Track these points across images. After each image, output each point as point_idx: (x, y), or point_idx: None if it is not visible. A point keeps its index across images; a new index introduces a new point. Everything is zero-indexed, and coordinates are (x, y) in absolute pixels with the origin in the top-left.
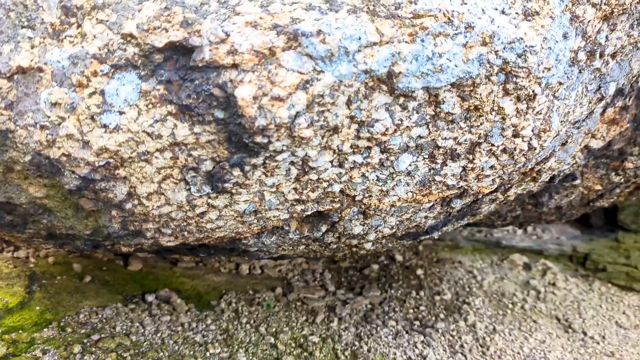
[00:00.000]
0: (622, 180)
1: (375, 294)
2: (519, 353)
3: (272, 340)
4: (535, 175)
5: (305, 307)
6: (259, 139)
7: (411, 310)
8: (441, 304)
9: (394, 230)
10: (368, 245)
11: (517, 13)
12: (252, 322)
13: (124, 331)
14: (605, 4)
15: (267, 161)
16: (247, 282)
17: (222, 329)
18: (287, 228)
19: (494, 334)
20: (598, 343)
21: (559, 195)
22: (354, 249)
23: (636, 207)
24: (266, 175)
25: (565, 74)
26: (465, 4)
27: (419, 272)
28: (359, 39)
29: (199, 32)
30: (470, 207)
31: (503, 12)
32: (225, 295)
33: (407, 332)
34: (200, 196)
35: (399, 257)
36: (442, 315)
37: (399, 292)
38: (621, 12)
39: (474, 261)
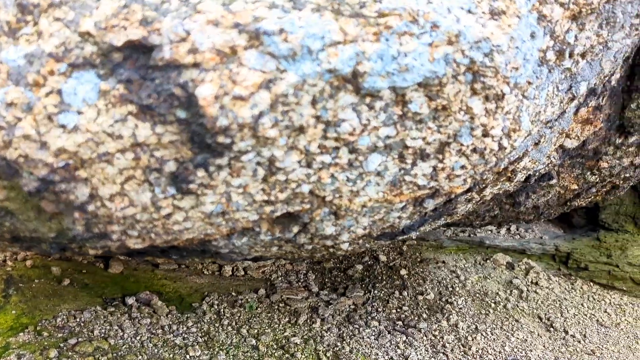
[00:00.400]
0: (597, 179)
1: (358, 295)
2: (500, 352)
3: (254, 342)
4: (510, 174)
5: (288, 308)
6: (221, 139)
7: (394, 311)
8: (424, 303)
9: (367, 230)
10: (345, 246)
11: (483, 12)
12: (233, 323)
13: (102, 335)
14: (573, 4)
15: (232, 162)
16: (229, 284)
17: (203, 331)
18: (257, 229)
19: (476, 334)
20: (579, 342)
21: (536, 194)
22: (331, 250)
23: (617, 207)
24: (232, 176)
25: (534, 73)
26: (431, 3)
27: (403, 272)
28: (323, 37)
29: (159, 30)
30: (446, 207)
31: (469, 12)
32: (208, 297)
33: (389, 333)
34: (165, 197)
35: (383, 258)
36: (424, 315)
37: (383, 292)
38: (589, 11)
39: (458, 261)
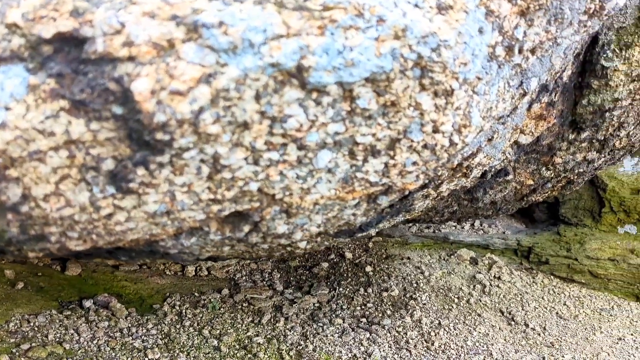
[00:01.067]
0: (552, 175)
1: (323, 292)
2: (462, 347)
3: (216, 342)
4: (465, 171)
5: (252, 308)
6: (160, 135)
7: (358, 308)
8: (389, 300)
9: (321, 228)
10: (302, 245)
11: (430, 7)
12: (195, 324)
13: (57, 339)
14: (521, 0)
15: (174, 159)
16: (192, 284)
17: (163, 333)
18: (206, 229)
19: (439, 329)
20: (539, 334)
21: (493, 190)
22: (289, 249)
23: (576, 201)
24: (175, 174)
25: (484, 69)
26: None
27: (368, 269)
28: (265, 31)
29: (91, 22)
30: (403, 204)
31: (416, 6)
32: (169, 298)
33: (353, 330)
34: (105, 197)
35: (348, 255)
36: (389, 312)
37: (348, 289)
38: (537, 7)
39: (423, 257)
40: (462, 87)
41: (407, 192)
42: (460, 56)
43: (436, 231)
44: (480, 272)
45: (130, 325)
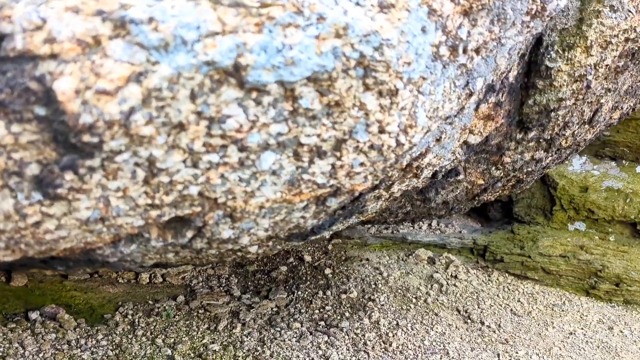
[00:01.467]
0: (502, 174)
1: (281, 297)
2: (419, 347)
3: (169, 351)
4: (416, 171)
5: (208, 314)
6: (87, 138)
7: (317, 311)
8: (347, 302)
9: (270, 232)
10: (253, 249)
11: (372, 5)
12: (148, 334)
13: (1, 353)
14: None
15: (105, 163)
16: (146, 292)
17: (114, 343)
18: (147, 235)
19: (396, 329)
20: (494, 331)
21: (445, 190)
22: (239, 254)
23: (529, 200)
24: (108, 179)
25: (428, 68)
26: None
27: (327, 271)
28: (198, 27)
29: (10, 17)
30: (355, 205)
31: (358, 4)
32: (121, 307)
33: (311, 334)
34: (31, 204)
35: (307, 258)
36: (347, 314)
37: (306, 292)
38: (480, 7)
39: (381, 257)
40: (406, 86)
41: (357, 194)
42: (404, 55)
43: (395, 232)
44: (437, 272)
45: (79, 336)
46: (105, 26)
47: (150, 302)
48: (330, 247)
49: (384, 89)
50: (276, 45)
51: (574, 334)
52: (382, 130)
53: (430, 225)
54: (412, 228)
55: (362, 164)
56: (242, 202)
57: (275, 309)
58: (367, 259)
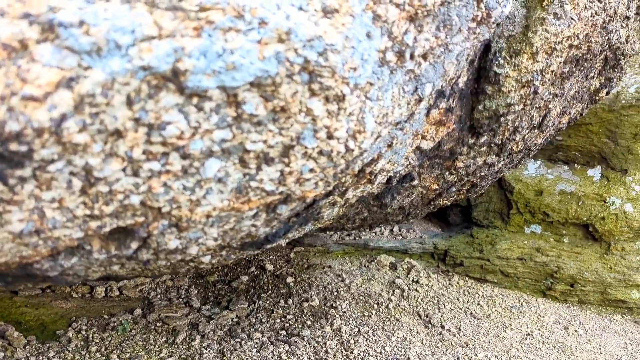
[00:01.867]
0: (456, 179)
1: (242, 307)
2: (381, 353)
3: None
4: (369, 177)
5: (166, 327)
6: (15, 146)
7: (278, 320)
8: (309, 310)
9: (220, 241)
10: (206, 259)
11: (315, 10)
12: (103, 349)
13: None
14: (408, 5)
15: (37, 172)
16: (102, 306)
17: None
18: (88, 247)
19: (358, 336)
20: (454, 335)
21: (400, 195)
22: (192, 264)
23: (487, 204)
24: (41, 189)
25: (375, 74)
26: None
27: (289, 280)
28: (133, 31)
29: None
30: (309, 212)
31: (300, 9)
32: (75, 323)
33: (272, 343)
34: None
35: (269, 267)
36: (309, 322)
37: (268, 302)
38: (425, 13)
39: (344, 264)
40: (353, 92)
41: (310, 200)
42: (349, 61)
43: (357, 238)
44: (399, 277)
45: (29, 354)
46: (33, 30)
47: (105, 316)
48: (292, 255)
49: (330, 94)
50: (216, 50)
51: (532, 334)
52: (330, 136)
53: (392, 231)
54: (374, 234)
55: (311, 170)
56: (187, 211)
57: (235, 320)
58: (330, 266)
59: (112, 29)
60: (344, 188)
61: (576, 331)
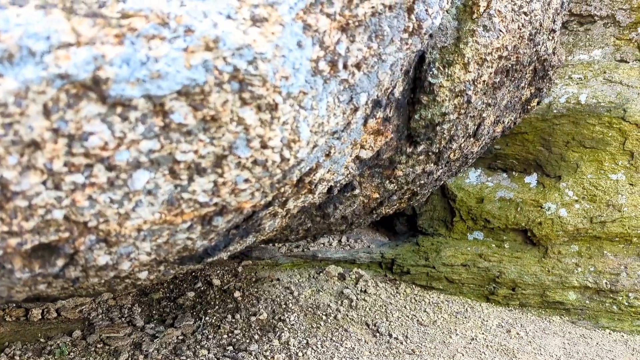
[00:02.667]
0: (396, 187)
1: (188, 324)
2: None
3: None
4: (309, 187)
5: (107, 349)
6: None
7: (225, 336)
8: (257, 324)
9: (154, 256)
10: (143, 275)
11: (244, 19)
12: None
13: None
14: (339, 15)
15: None
16: (38, 329)
17: None
18: (9, 266)
19: (306, 348)
20: (401, 343)
21: (342, 205)
22: (128, 281)
23: (431, 212)
24: None
25: (308, 83)
26: (184, 5)
27: (237, 294)
28: (48, 38)
29: None
30: (250, 224)
31: (229, 17)
32: (8, 348)
33: None
34: None
35: (216, 282)
36: (256, 337)
37: (215, 317)
38: (357, 24)
39: (292, 277)
40: (286, 101)
41: (248, 212)
42: (281, 70)
43: (305, 250)
44: (347, 287)
45: None
46: None
47: (42, 339)
48: (240, 269)
49: (262, 103)
50: (140, 57)
51: (476, 339)
52: (264, 146)
53: (340, 241)
54: (322, 245)
55: (246, 181)
56: (116, 225)
57: (181, 337)
58: (278, 279)
59: (25, 35)
60: (284, 198)
61: (518, 334)
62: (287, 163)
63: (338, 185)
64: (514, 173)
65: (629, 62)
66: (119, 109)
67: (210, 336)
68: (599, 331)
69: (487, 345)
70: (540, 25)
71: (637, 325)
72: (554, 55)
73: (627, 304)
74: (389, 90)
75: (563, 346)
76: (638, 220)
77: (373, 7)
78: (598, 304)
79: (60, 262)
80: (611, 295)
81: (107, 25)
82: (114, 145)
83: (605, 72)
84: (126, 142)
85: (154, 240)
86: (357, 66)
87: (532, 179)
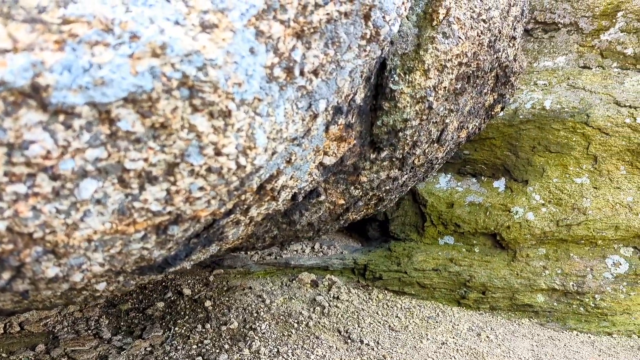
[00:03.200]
0: (361, 193)
1: (156, 335)
2: None
3: None
4: (272, 193)
5: None
6: None
7: (195, 346)
8: (227, 333)
9: (107, 267)
10: (101, 286)
11: (193, 24)
12: None
13: None
14: (294, 22)
15: None
16: (0, 344)
17: None
18: None
19: (277, 357)
20: (373, 349)
21: (308, 212)
22: (85, 293)
23: (403, 218)
24: None
25: (263, 89)
26: (130, 11)
27: (208, 303)
28: None
29: None
30: (211, 232)
31: (177, 23)
32: None
33: None
34: None
35: (187, 291)
36: (226, 346)
37: (184, 328)
38: (312, 30)
39: (265, 285)
40: (240, 108)
41: (206, 220)
42: (233, 76)
43: (278, 257)
44: (320, 294)
45: None
46: None
47: (4, 354)
48: (212, 278)
49: (214, 110)
50: (82, 64)
51: (446, 343)
52: (218, 153)
53: (313, 248)
54: (295, 252)
55: (201, 188)
56: (64, 236)
57: (149, 349)
58: (250, 287)
59: None
60: (245, 206)
61: (488, 337)
62: (244, 170)
63: (302, 192)
64: (483, 178)
65: (591, 69)
66: (61, 117)
67: (179, 347)
68: (566, 333)
69: (457, 350)
70: (500, 33)
71: (603, 326)
72: (515, 61)
73: (593, 305)
74: (349, 97)
75: (531, 348)
76: (602, 223)
77: (328, 14)
78: (565, 306)
79: (6, 275)
80: (578, 297)
81: (46, 31)
82: (58, 154)
83: (569, 79)
84: (70, 151)
85: (107, 251)
86: (315, 73)
87: (500, 184)
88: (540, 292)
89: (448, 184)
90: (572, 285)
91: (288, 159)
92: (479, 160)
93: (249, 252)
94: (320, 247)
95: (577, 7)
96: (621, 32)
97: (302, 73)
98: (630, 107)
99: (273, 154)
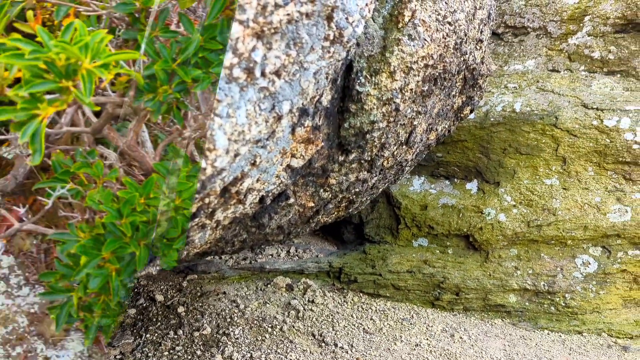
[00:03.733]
0: (330, 196)
1: (127, 342)
2: None
3: None
4: (237, 196)
5: None
6: None
7: (166, 353)
8: (200, 339)
9: None
10: None
11: None
12: None
13: None
14: (253, 22)
15: None
16: None
17: None
18: None
19: None
20: (347, 352)
21: (277, 215)
22: None
23: (378, 220)
24: None
25: (222, 90)
26: None
27: (181, 309)
28: None
29: None
30: None
31: None
32: None
33: None
34: None
35: (159, 297)
36: (199, 352)
37: (156, 334)
38: (273, 31)
39: (239, 289)
40: None
41: None
42: None
43: (253, 262)
44: (295, 298)
45: None
46: None
47: None
48: (185, 283)
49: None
50: None
51: (420, 345)
52: None
53: (288, 252)
54: (270, 256)
55: None
56: None
57: (119, 357)
58: (224, 293)
59: None
60: (210, 209)
61: (461, 338)
62: (204, 172)
63: (270, 194)
64: (455, 180)
65: (560, 72)
66: None
67: (150, 354)
68: (538, 332)
69: (431, 351)
70: (466, 35)
71: (573, 325)
72: (483, 64)
73: (564, 304)
74: (315, 99)
75: (504, 348)
76: (571, 223)
77: (289, 15)
78: (537, 306)
79: None
80: (549, 297)
81: None
82: None
83: (538, 82)
84: None
85: None
86: (277, 74)
87: (472, 186)
88: (513, 293)
89: (422, 186)
90: (543, 285)
91: (253, 161)
92: (451, 162)
93: (223, 257)
94: (296, 251)
95: (546, 11)
96: (588, 36)
97: (263, 74)
98: (597, 109)
99: (236, 155)
